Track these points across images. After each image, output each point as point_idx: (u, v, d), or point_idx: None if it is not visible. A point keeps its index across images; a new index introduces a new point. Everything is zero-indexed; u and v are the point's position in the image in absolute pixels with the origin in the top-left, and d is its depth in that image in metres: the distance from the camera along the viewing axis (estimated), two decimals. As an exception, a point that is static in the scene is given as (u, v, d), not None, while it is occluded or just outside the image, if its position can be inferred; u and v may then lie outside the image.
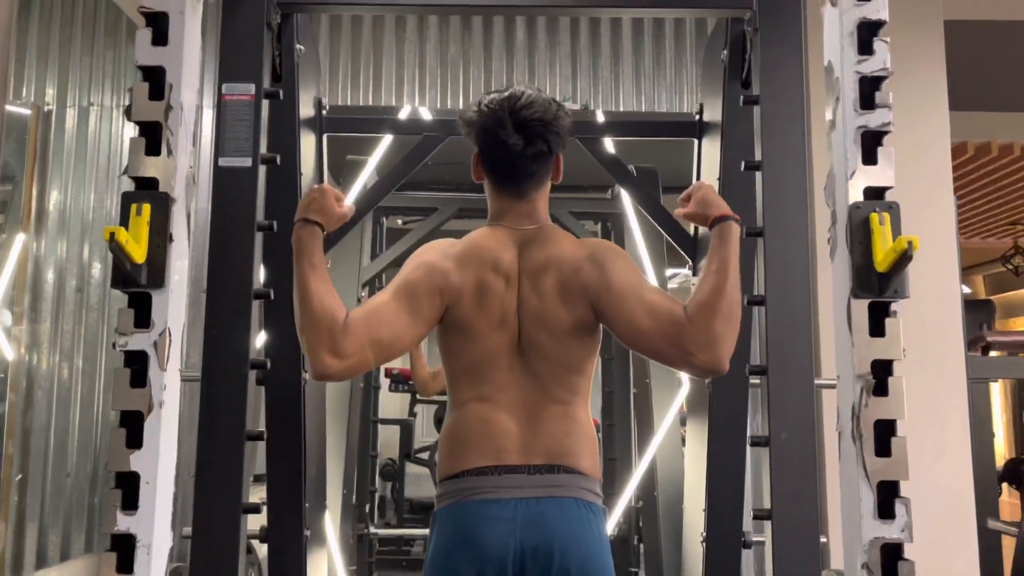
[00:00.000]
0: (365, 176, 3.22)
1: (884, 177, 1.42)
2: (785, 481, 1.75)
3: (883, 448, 1.35)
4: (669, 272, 4.13)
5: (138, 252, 1.33)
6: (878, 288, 1.38)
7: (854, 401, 1.37)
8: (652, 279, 3.45)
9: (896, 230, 1.38)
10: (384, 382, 5.42)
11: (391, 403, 6.95)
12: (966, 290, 9.45)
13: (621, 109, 3.11)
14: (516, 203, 1.59)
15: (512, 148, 1.52)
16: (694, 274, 2.41)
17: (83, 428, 2.81)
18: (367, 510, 3.98)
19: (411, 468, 6.26)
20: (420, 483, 6.30)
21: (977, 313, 8.06)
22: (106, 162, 2.95)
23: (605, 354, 3.89)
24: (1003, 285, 9.32)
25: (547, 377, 1.50)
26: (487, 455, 1.43)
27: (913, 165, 3.15)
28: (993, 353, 3.95)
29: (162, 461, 1.34)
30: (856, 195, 1.41)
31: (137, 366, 1.36)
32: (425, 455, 6.40)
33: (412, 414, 6.76)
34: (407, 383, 6.30)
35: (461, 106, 3.10)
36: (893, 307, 1.40)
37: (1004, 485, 6.79)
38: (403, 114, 3.13)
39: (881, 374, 1.37)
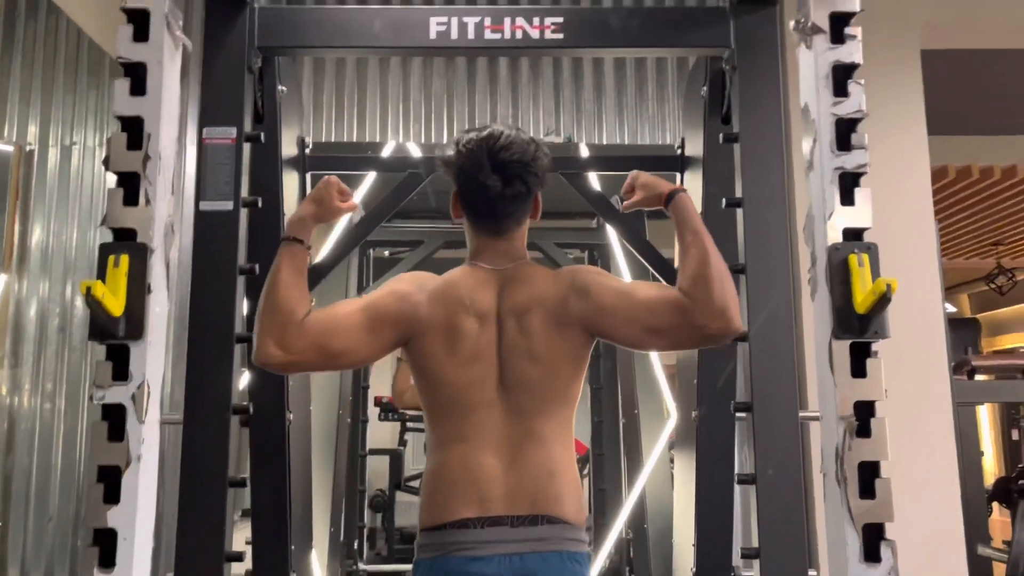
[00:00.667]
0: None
1: (862, 218, 1.43)
2: (772, 518, 1.75)
3: (867, 490, 1.35)
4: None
5: (115, 305, 1.32)
6: (859, 329, 1.38)
7: (837, 443, 1.37)
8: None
9: (875, 271, 1.39)
10: (373, 412, 5.39)
11: (380, 432, 6.90)
12: (951, 309, 9.50)
13: (604, 142, 3.12)
14: (494, 241, 1.60)
15: (490, 189, 1.54)
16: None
17: (65, 470, 2.77)
18: (356, 546, 3.94)
19: (401, 496, 6.21)
20: (411, 511, 6.23)
21: (963, 332, 8.11)
22: (88, 201, 2.93)
23: (593, 383, 3.89)
24: (988, 304, 9.38)
25: (532, 412, 1.48)
26: (470, 505, 1.42)
27: (894, 189, 3.18)
28: (980, 376, 3.97)
29: (140, 517, 1.32)
30: (835, 236, 1.42)
31: (115, 419, 1.34)
32: (416, 483, 6.35)
33: (402, 443, 6.71)
34: (396, 412, 6.27)
35: (446, 141, 3.10)
36: (874, 347, 1.40)
37: (994, 504, 6.81)
38: (388, 149, 3.13)
39: (864, 415, 1.37)
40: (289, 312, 1.44)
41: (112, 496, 1.32)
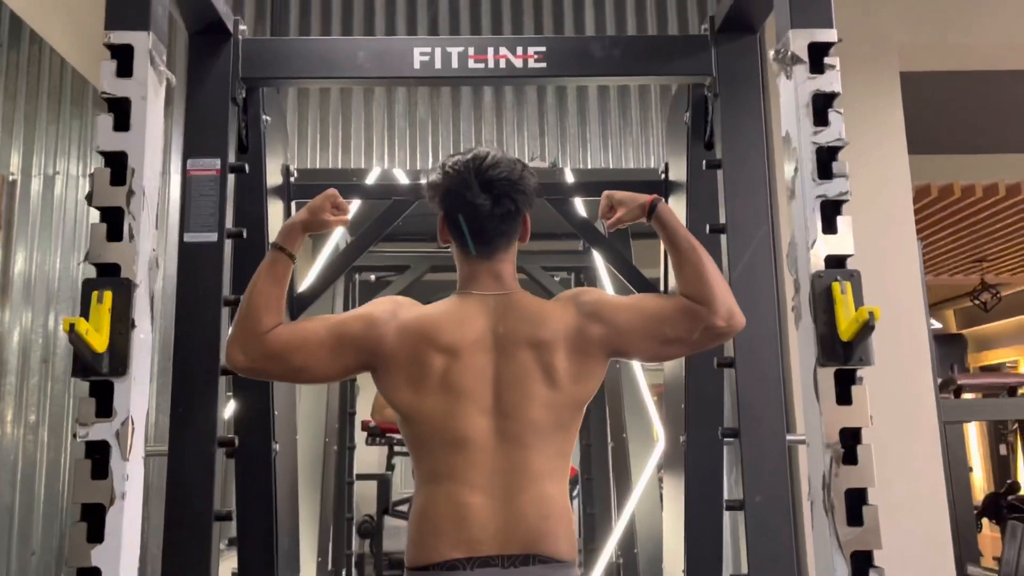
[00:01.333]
0: (337, 236, 3.22)
1: (844, 245, 1.43)
2: (761, 545, 1.75)
3: (855, 517, 1.35)
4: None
5: (99, 341, 1.30)
6: (843, 356, 1.38)
7: (824, 470, 1.37)
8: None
9: (858, 299, 1.39)
10: (360, 437, 5.35)
11: (368, 456, 6.85)
12: (937, 325, 9.57)
13: (589, 166, 3.14)
14: (485, 265, 1.56)
15: (480, 209, 1.51)
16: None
17: (48, 502, 2.74)
18: (343, 574, 3.91)
19: (389, 521, 6.16)
20: (399, 535, 6.19)
21: (949, 348, 8.17)
22: (72, 231, 2.92)
23: (581, 406, 3.88)
24: (974, 319, 9.46)
25: (530, 446, 1.45)
26: (459, 545, 1.39)
27: (877, 209, 3.22)
28: (966, 394, 3.99)
29: (124, 555, 1.30)
30: (818, 263, 1.42)
31: (99, 456, 1.33)
32: (404, 507, 6.31)
33: (390, 467, 6.67)
34: (383, 436, 6.23)
35: (431, 166, 3.11)
36: (859, 374, 1.40)
37: (984, 520, 6.83)
38: (373, 175, 3.14)
39: (850, 442, 1.37)
40: (256, 319, 1.46)
41: (96, 535, 1.30)
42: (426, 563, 1.40)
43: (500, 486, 1.43)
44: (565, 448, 1.51)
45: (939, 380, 3.70)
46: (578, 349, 1.49)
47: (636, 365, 3.33)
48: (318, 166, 3.09)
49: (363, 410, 5.28)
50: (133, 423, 1.34)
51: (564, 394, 1.48)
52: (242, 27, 1.92)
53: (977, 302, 7.49)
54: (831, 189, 1.45)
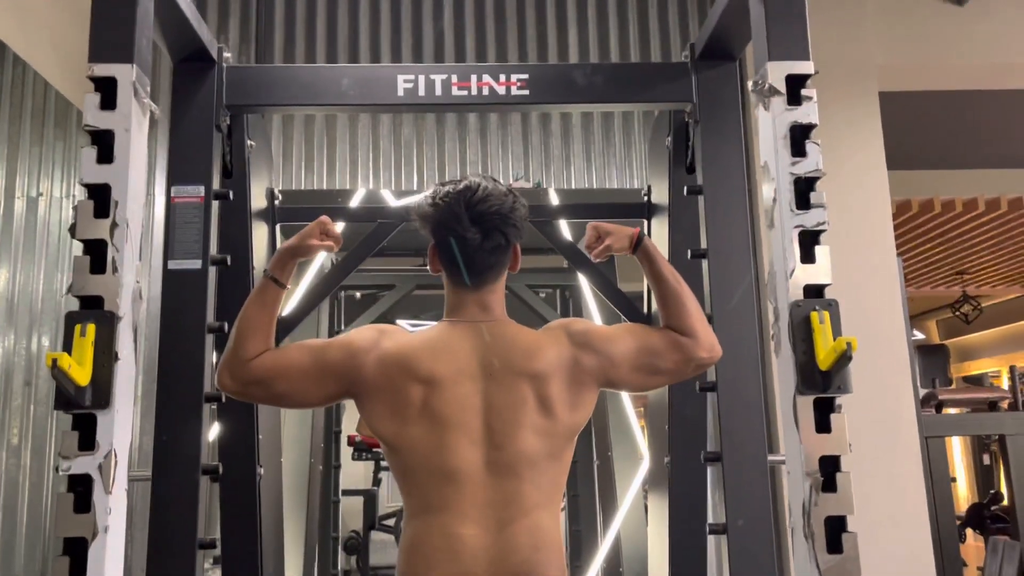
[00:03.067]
0: (322, 257, 3.22)
1: (822, 275, 1.45)
2: (744, 568, 1.76)
3: (834, 545, 1.36)
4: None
5: (82, 375, 1.30)
6: (822, 385, 1.40)
7: (804, 498, 1.38)
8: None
9: (836, 328, 1.41)
10: (346, 453, 5.34)
11: (355, 471, 6.83)
12: (920, 336, 9.65)
13: (573, 186, 3.16)
14: (473, 295, 1.57)
15: (469, 242, 1.52)
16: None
17: (31, 526, 2.72)
18: (329, 594, 3.89)
19: (376, 536, 6.14)
20: (385, 550, 6.17)
21: (932, 358, 8.24)
22: (55, 252, 2.91)
23: (567, 423, 3.89)
24: (956, 330, 9.54)
25: (524, 477, 1.44)
26: None
27: (857, 225, 3.25)
28: (949, 409, 4.03)
29: (107, 589, 1.30)
30: (796, 293, 1.44)
31: (81, 489, 1.33)
32: (390, 522, 6.28)
33: (376, 482, 6.65)
34: (370, 451, 6.21)
35: (416, 187, 3.13)
36: (838, 402, 1.42)
37: (968, 531, 6.87)
38: (358, 197, 3.14)
39: (829, 470, 1.39)
40: (242, 344, 1.49)
41: (78, 569, 1.30)
42: None
43: (492, 518, 1.42)
44: (559, 479, 1.51)
45: (921, 394, 3.73)
46: (573, 379, 1.50)
47: (621, 382, 3.35)
48: (303, 187, 3.10)
49: (349, 426, 5.27)
50: (116, 456, 1.34)
51: (559, 424, 1.48)
52: (226, 55, 1.93)
53: (959, 314, 7.56)
54: (809, 219, 1.47)
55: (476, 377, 1.48)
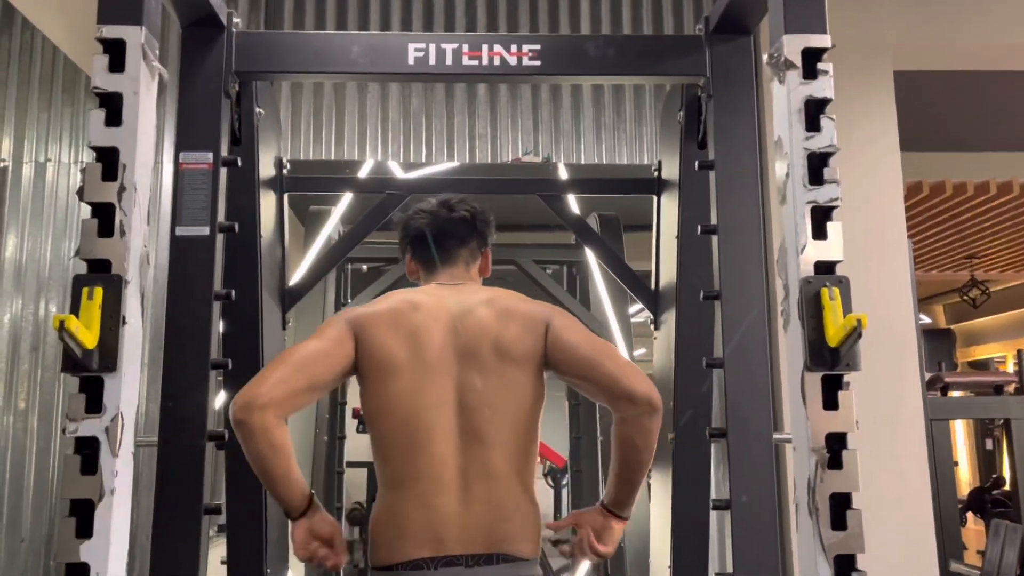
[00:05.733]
0: (329, 227, 3.22)
1: (834, 251, 1.44)
2: (747, 544, 1.77)
3: (839, 522, 1.36)
4: (632, 309, 4.16)
5: (89, 338, 1.30)
6: (830, 362, 1.39)
7: (809, 474, 1.38)
8: (613, 319, 3.46)
9: (846, 305, 1.40)
10: (351, 425, 5.35)
11: (360, 443, 6.85)
12: (926, 320, 9.62)
13: (583, 161, 3.14)
14: (444, 268, 1.66)
15: (437, 216, 1.67)
16: (655, 328, 2.44)
17: (38, 490, 2.74)
18: (332, 563, 3.92)
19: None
20: (389, 523, 6.19)
21: (938, 343, 8.22)
22: (63, 218, 2.91)
23: (572, 399, 3.89)
24: (963, 314, 9.51)
25: (495, 445, 1.47)
26: (424, 545, 1.42)
27: (868, 206, 3.23)
28: (953, 392, 4.02)
29: (113, 551, 1.30)
30: (807, 269, 1.43)
31: (88, 452, 1.33)
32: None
33: (379, 455, 6.68)
34: (374, 425, 6.22)
35: (424, 159, 3.11)
36: (846, 379, 1.42)
37: (969, 514, 6.89)
38: (366, 168, 3.13)
39: (835, 447, 1.39)
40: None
41: (85, 530, 1.30)
42: (391, 562, 1.43)
43: (463, 486, 1.46)
44: (530, 448, 1.54)
45: (927, 377, 3.72)
46: (537, 358, 1.54)
47: (626, 358, 3.34)
48: (311, 158, 3.09)
49: (354, 399, 5.28)
50: (123, 419, 1.34)
51: (526, 392, 1.52)
52: (236, 20, 1.91)
53: (966, 298, 7.53)
54: (822, 195, 1.45)
55: (447, 344, 1.52)
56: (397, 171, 3.14)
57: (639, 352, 3.50)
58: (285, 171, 2.33)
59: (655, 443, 1.56)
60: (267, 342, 2.10)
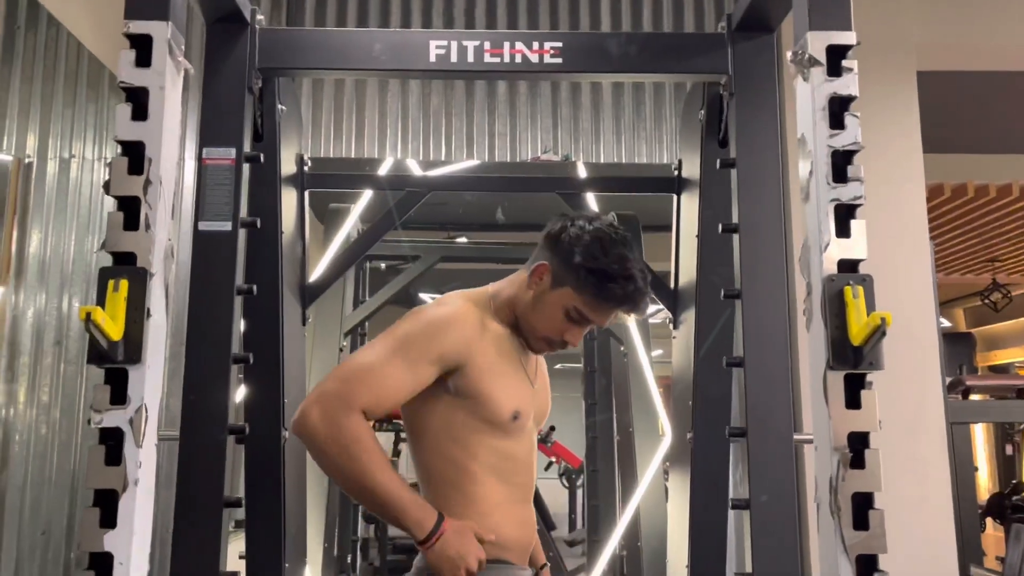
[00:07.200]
0: (349, 225, 3.23)
1: (858, 249, 1.43)
2: (766, 544, 1.75)
3: (861, 521, 1.35)
4: (650, 309, 4.16)
5: (115, 330, 1.32)
6: (853, 361, 1.38)
7: (831, 474, 1.37)
8: (631, 319, 3.45)
9: (870, 304, 1.39)
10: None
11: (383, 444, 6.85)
12: (947, 324, 9.53)
13: (602, 160, 3.14)
14: None
15: None
16: (674, 327, 2.43)
17: (59, 483, 2.77)
18: (348, 560, 3.94)
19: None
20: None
21: (958, 347, 8.14)
22: (86, 213, 2.94)
23: (588, 399, 3.89)
24: (983, 318, 9.41)
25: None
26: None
27: (890, 208, 3.21)
28: (974, 396, 3.98)
29: (136, 541, 1.31)
30: (830, 267, 1.42)
31: (112, 442, 1.34)
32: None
33: (396, 453, 6.69)
34: (391, 422, 6.25)
35: (444, 158, 3.12)
36: (869, 378, 1.41)
37: (988, 520, 6.82)
38: (386, 165, 3.14)
39: (858, 446, 1.38)
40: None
41: (108, 520, 1.31)
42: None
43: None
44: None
45: (947, 380, 3.69)
46: None
47: (644, 358, 3.35)
48: (332, 155, 3.10)
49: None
50: (147, 410, 1.35)
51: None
52: (259, 17, 1.92)
53: (987, 302, 7.45)
54: (845, 193, 1.44)
55: None
56: (416, 169, 3.15)
57: (656, 353, 3.48)
58: (306, 168, 2.34)
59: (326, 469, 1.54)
60: (287, 337, 2.11)
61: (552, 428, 5.77)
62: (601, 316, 1.62)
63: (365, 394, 1.49)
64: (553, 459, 6.05)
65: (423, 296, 4.10)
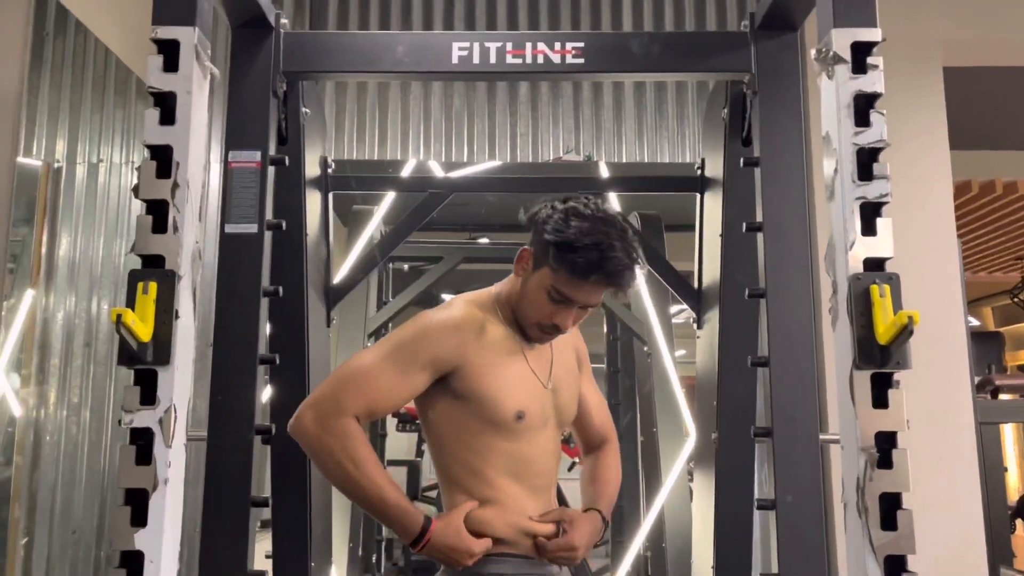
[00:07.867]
0: (372, 227, 3.25)
1: (884, 248, 1.42)
2: (792, 545, 1.74)
3: (889, 521, 1.34)
4: (673, 309, 4.12)
5: (144, 331, 1.34)
6: (880, 360, 1.37)
7: (859, 473, 1.36)
8: (655, 318, 3.44)
9: (897, 302, 1.38)
10: (391, 424, 5.40)
11: (398, 443, 6.90)
12: (975, 322, 9.40)
13: (624, 160, 3.13)
14: None
15: None
16: (699, 327, 2.42)
17: (89, 482, 2.81)
18: (373, 559, 3.95)
19: (418, 505, 6.19)
20: (428, 521, 6.21)
21: (986, 346, 8.01)
22: (115, 217, 2.98)
23: (612, 400, 3.88)
24: (1012, 317, 9.27)
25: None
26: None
27: (917, 205, 3.17)
28: (1003, 395, 3.92)
29: (166, 539, 1.33)
30: (856, 266, 1.41)
31: (142, 442, 1.36)
32: (433, 493, 6.35)
33: (419, 454, 6.72)
34: (414, 422, 6.27)
35: (466, 159, 3.13)
36: (896, 378, 1.39)
37: (1018, 521, 6.72)
38: (409, 167, 3.16)
39: (885, 446, 1.36)
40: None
41: (139, 519, 1.33)
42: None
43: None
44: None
45: (976, 380, 3.64)
46: None
47: (667, 359, 3.34)
48: (355, 157, 3.12)
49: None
50: (176, 411, 1.37)
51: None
52: (283, 21, 1.94)
53: (1016, 300, 7.34)
54: (871, 191, 1.43)
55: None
56: (439, 170, 3.16)
57: (680, 353, 3.47)
58: (330, 170, 2.36)
59: (320, 471, 1.59)
60: (313, 338, 2.13)
61: (575, 428, 5.74)
62: (579, 292, 1.52)
63: (357, 398, 1.51)
64: (576, 459, 6.04)
65: (445, 297, 4.12)
